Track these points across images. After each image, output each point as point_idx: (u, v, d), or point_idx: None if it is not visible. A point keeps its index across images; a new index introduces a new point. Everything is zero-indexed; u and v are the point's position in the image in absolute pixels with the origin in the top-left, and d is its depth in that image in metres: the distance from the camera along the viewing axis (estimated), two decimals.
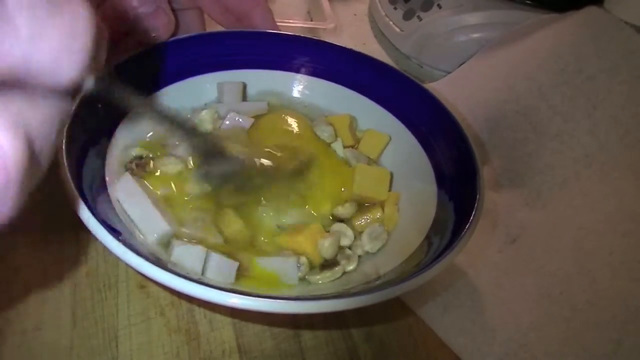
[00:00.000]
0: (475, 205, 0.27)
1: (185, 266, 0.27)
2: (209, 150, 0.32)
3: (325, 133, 0.37)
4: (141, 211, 0.28)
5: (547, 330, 0.30)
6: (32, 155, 0.14)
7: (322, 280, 0.29)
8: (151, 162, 0.32)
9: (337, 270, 0.29)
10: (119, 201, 0.29)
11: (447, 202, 0.31)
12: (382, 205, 0.34)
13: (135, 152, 0.32)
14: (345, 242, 0.31)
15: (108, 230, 0.23)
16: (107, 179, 0.29)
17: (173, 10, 0.36)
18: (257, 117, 0.38)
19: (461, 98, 0.44)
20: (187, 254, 0.27)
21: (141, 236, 0.28)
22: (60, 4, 0.13)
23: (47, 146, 0.16)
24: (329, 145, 0.37)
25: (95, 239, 0.23)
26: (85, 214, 0.23)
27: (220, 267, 0.27)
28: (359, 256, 0.31)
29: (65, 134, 0.26)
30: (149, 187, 0.31)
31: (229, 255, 0.29)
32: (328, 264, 0.30)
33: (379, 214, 0.33)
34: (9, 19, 0.12)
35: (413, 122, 0.36)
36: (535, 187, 0.38)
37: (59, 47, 0.13)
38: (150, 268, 0.22)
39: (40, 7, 0.13)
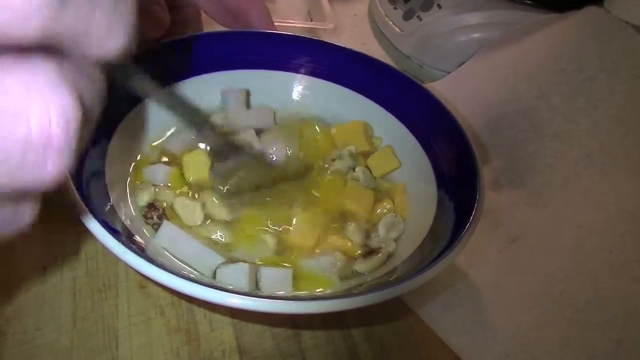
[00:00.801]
0: (475, 205, 0.27)
1: (234, 285, 0.28)
2: (223, 142, 0.32)
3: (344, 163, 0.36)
4: (192, 252, 0.29)
5: (547, 330, 0.30)
6: (85, 117, 0.15)
7: (370, 267, 0.30)
8: (164, 205, 0.32)
9: (381, 255, 0.30)
10: (166, 250, 0.29)
11: (447, 202, 0.31)
12: (391, 197, 0.34)
13: (144, 201, 0.32)
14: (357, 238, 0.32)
15: (108, 231, 0.23)
16: (107, 179, 0.29)
17: (170, 7, 0.36)
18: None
19: (461, 98, 0.44)
20: (230, 274, 0.28)
21: (197, 273, 0.29)
22: None
23: (93, 112, 0.16)
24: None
25: (96, 239, 0.23)
26: (85, 215, 0.23)
27: (274, 278, 0.28)
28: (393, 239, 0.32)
29: None
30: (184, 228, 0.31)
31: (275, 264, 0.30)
32: (368, 252, 0.31)
33: (389, 205, 0.34)
34: None
35: (413, 122, 0.36)
36: (535, 187, 0.38)
37: (111, 14, 0.14)
38: (150, 268, 0.22)
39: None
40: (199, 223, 0.31)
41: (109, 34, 0.14)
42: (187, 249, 0.29)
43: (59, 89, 0.13)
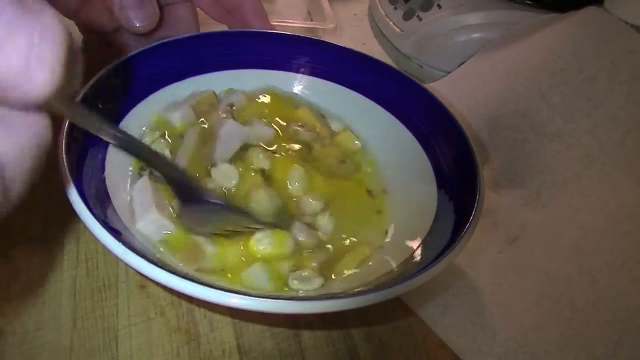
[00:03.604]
0: (475, 205, 0.27)
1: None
2: (184, 186, 0.30)
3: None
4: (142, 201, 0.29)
5: (547, 330, 0.30)
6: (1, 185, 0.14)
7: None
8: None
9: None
10: (131, 200, 0.30)
11: (447, 202, 0.31)
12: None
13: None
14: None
15: (108, 231, 0.23)
16: (107, 179, 0.29)
17: (163, 4, 0.36)
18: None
19: (461, 98, 0.44)
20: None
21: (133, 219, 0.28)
22: (28, 9, 0.13)
23: (19, 176, 0.15)
24: None
25: (96, 239, 0.23)
26: (85, 214, 0.23)
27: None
28: None
29: (65, 133, 0.26)
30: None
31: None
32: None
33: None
34: None
35: (413, 122, 0.36)
36: (535, 187, 0.38)
37: (27, 55, 0.13)
38: (150, 268, 0.22)
39: (5, 13, 0.12)
40: None
41: (28, 77, 0.13)
42: (142, 203, 0.29)
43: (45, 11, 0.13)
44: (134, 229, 0.28)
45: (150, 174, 0.31)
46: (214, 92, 0.38)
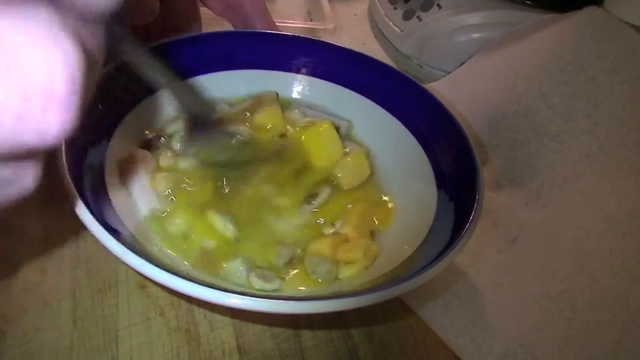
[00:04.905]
0: (475, 205, 0.27)
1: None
2: (203, 114, 0.32)
3: None
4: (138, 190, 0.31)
5: (547, 330, 0.30)
6: (89, 69, 0.13)
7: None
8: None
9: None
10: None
11: (447, 202, 0.31)
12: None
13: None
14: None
15: (108, 231, 0.23)
16: (106, 178, 0.29)
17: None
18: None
19: (461, 98, 0.44)
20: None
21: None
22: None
23: (97, 64, 0.15)
24: None
25: (95, 239, 0.23)
26: (85, 214, 0.23)
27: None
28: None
29: None
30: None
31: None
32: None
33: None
34: None
35: (413, 122, 0.36)
36: (535, 187, 0.38)
37: (41, 93, 0.12)
38: (150, 268, 0.22)
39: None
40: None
41: None
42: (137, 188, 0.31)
43: (61, 36, 0.12)
44: (134, 229, 0.28)
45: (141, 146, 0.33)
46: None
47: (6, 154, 0.13)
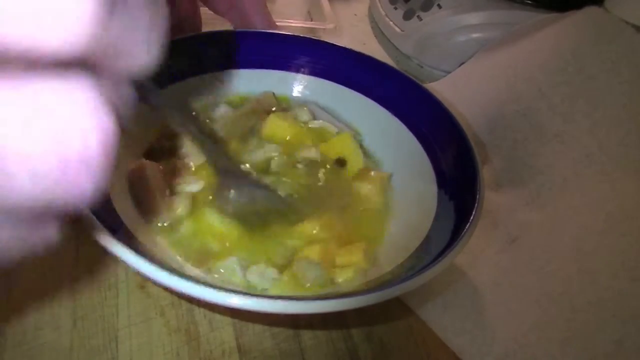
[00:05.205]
0: (475, 205, 0.27)
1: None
2: (226, 163, 0.32)
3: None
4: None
5: (547, 330, 0.30)
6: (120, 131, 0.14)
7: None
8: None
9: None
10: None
11: (447, 202, 0.31)
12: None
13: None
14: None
15: (108, 230, 0.23)
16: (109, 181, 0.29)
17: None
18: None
19: (461, 98, 0.44)
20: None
21: None
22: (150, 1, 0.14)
23: (125, 128, 0.16)
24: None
25: (95, 238, 0.23)
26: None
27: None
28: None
29: None
30: None
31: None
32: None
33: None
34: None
35: (413, 122, 0.36)
36: (535, 187, 0.38)
37: (149, 25, 0.14)
38: (150, 268, 0.22)
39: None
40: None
41: (146, 47, 0.14)
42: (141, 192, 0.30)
43: (98, 107, 0.13)
44: (134, 228, 0.28)
45: (145, 156, 0.33)
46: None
47: (35, 213, 0.14)
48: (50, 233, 0.16)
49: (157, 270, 0.22)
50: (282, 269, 0.29)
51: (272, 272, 0.29)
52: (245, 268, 0.29)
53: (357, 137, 0.38)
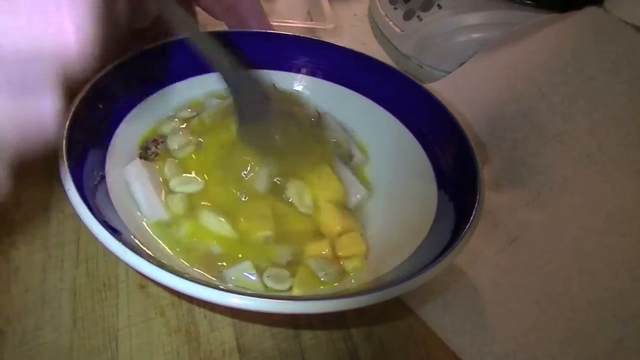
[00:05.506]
0: (475, 205, 0.27)
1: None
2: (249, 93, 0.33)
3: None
4: (142, 195, 0.31)
5: (547, 331, 0.30)
6: None
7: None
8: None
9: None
10: (127, 183, 0.31)
11: (447, 202, 0.31)
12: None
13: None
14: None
15: (108, 231, 0.23)
16: (106, 178, 0.29)
17: None
18: None
19: (461, 98, 0.44)
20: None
21: (140, 215, 0.30)
22: None
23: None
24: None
25: (95, 238, 0.23)
26: (84, 214, 0.23)
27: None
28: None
29: (65, 134, 0.26)
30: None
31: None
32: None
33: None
34: None
35: (413, 122, 0.36)
36: (535, 187, 0.38)
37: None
38: (150, 268, 0.22)
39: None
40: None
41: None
42: (140, 191, 0.31)
43: None
44: (134, 228, 0.28)
45: (140, 157, 0.33)
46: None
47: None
48: (46, 104, 0.16)
49: (157, 270, 0.22)
50: (290, 268, 0.29)
51: (284, 273, 0.29)
52: (261, 271, 0.29)
53: (356, 137, 0.39)
